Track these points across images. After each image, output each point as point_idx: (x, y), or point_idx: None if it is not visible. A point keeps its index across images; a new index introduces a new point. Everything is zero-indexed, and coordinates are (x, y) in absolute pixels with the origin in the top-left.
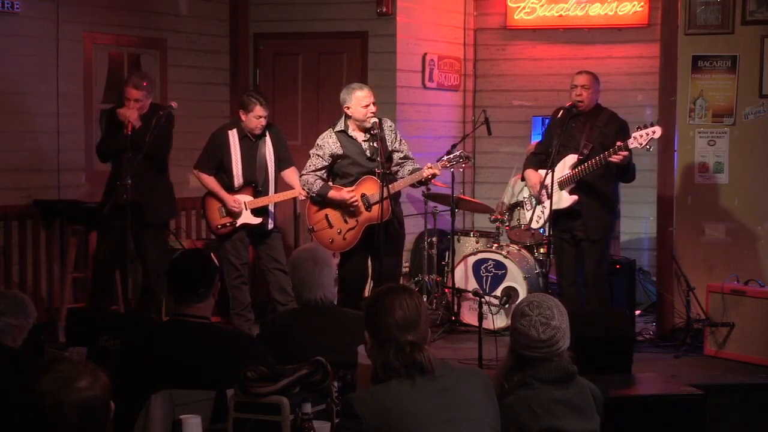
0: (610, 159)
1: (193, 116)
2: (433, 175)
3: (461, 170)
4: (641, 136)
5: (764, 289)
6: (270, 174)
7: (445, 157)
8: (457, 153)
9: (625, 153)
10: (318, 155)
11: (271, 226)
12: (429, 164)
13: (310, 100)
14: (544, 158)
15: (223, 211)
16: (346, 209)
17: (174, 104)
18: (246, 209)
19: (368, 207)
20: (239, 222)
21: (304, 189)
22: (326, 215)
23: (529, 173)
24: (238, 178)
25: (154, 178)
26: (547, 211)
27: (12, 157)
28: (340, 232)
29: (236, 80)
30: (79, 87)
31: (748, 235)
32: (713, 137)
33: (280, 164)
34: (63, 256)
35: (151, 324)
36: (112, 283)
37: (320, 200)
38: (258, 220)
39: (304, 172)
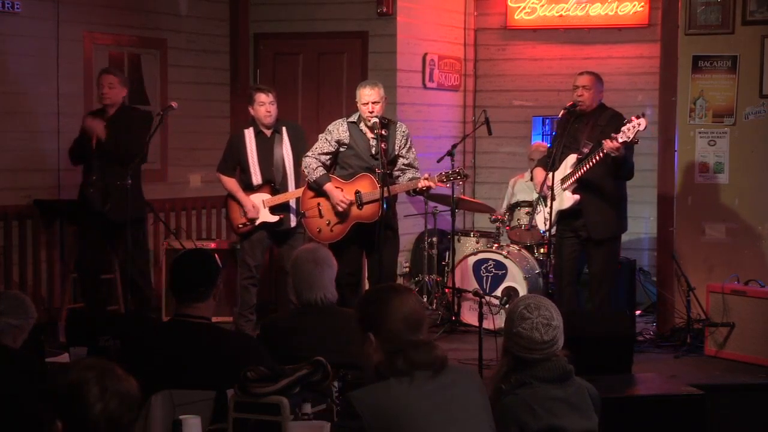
0: (604, 150)
1: (193, 116)
2: (428, 188)
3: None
4: (628, 129)
5: (764, 289)
6: (288, 171)
7: (444, 172)
8: (456, 170)
9: (617, 144)
10: (326, 139)
11: (293, 223)
12: (426, 175)
13: (310, 100)
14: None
15: (243, 210)
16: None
17: (174, 104)
18: (264, 207)
19: (360, 205)
20: (258, 221)
21: (304, 170)
22: (318, 204)
23: (536, 172)
24: (256, 176)
25: (120, 178)
26: (553, 213)
27: (12, 157)
28: (328, 224)
29: (236, 80)
30: (79, 87)
31: (748, 235)
32: (713, 137)
33: (300, 161)
34: (63, 256)
35: (151, 324)
36: (99, 283)
37: (316, 188)
38: (275, 218)
39: (308, 153)
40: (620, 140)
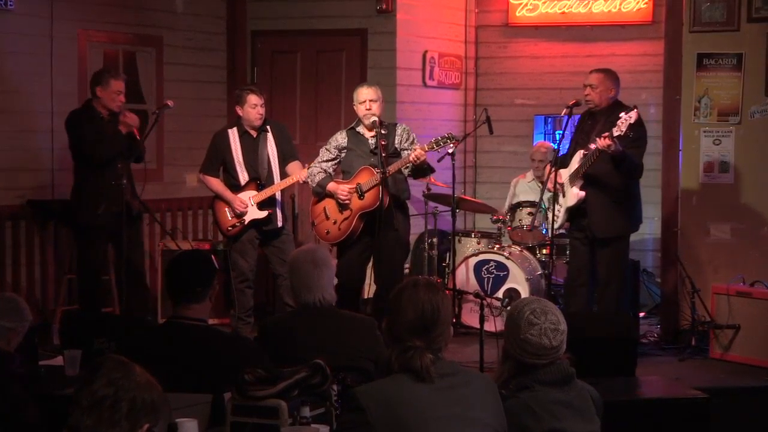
0: (596, 145)
1: (190, 115)
2: (417, 158)
3: (463, 169)
4: (621, 123)
5: None
6: (273, 168)
7: (433, 139)
8: (444, 134)
9: (609, 141)
10: (326, 149)
11: (280, 222)
12: (415, 146)
13: (308, 98)
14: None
15: (232, 211)
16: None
17: (170, 103)
18: (252, 204)
19: (361, 195)
20: (247, 219)
21: (308, 179)
22: (324, 207)
23: (547, 168)
24: (242, 175)
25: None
26: (562, 211)
27: (5, 156)
28: (335, 223)
29: (234, 78)
30: (73, 85)
31: (753, 235)
32: (718, 136)
33: (285, 159)
34: (57, 257)
35: (147, 326)
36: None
37: (320, 191)
38: (264, 214)
39: (311, 164)
40: (614, 134)
